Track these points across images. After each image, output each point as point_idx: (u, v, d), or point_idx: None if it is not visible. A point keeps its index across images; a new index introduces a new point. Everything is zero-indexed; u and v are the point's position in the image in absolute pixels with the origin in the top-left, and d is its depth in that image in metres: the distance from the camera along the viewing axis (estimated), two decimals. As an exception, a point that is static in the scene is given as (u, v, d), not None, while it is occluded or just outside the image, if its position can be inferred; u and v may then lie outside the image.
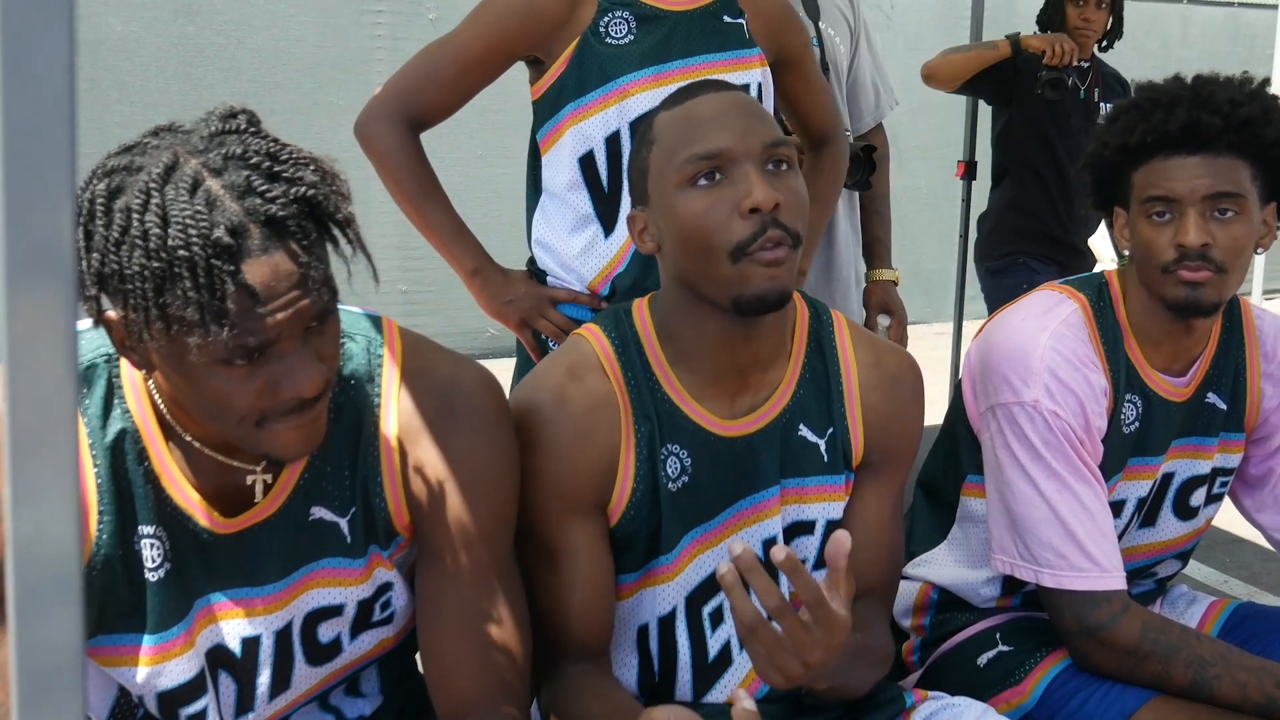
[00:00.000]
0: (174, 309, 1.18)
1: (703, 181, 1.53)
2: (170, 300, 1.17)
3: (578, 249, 2.24)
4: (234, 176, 1.21)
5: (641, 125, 1.66)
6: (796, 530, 1.69)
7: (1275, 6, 7.52)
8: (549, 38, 2.18)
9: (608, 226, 2.23)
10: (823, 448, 1.68)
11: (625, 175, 2.18)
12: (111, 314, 1.25)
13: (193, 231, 1.17)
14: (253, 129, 1.27)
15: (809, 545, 1.70)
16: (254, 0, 5.86)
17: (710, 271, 1.53)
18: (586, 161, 2.20)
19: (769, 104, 2.32)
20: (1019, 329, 1.92)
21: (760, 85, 2.28)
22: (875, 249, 3.05)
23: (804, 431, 1.67)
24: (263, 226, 1.20)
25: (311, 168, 1.26)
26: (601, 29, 2.16)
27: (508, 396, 1.59)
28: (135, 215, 1.18)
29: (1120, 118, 1.91)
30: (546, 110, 2.22)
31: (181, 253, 1.16)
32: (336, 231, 1.28)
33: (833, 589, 1.33)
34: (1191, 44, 7.87)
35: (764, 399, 1.65)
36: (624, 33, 2.17)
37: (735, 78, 2.23)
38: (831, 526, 1.70)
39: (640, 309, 1.67)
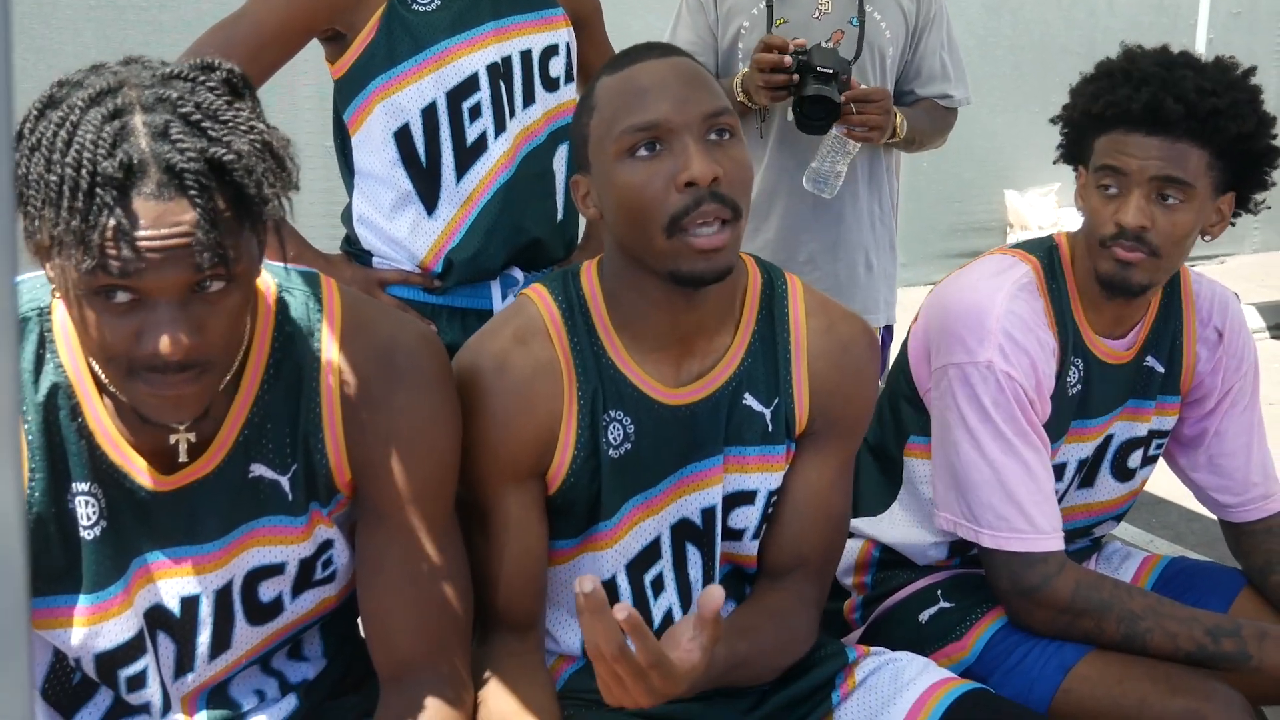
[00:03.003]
0: (56, 226, 1.18)
1: (642, 152, 1.50)
2: (51, 216, 1.18)
3: (405, 230, 2.18)
4: (157, 118, 1.20)
5: (585, 90, 1.62)
6: (738, 500, 1.68)
7: (1199, -22, 7.64)
8: (350, 8, 2.08)
9: (429, 204, 2.16)
10: (768, 417, 1.66)
11: (445, 148, 2.12)
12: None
13: (86, 155, 1.17)
14: (215, 85, 1.26)
15: (750, 515, 1.69)
16: (175, -39, 5.72)
17: (647, 244, 1.51)
18: (402, 136, 2.12)
19: (573, 64, 2.27)
20: (975, 288, 1.92)
21: (567, 45, 2.24)
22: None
23: (749, 400, 1.65)
24: (163, 172, 1.19)
25: (249, 139, 1.24)
26: None
27: None
28: (53, 126, 1.19)
29: (1094, 81, 1.91)
30: (353, 86, 2.13)
31: (70, 172, 1.17)
32: (255, 208, 1.25)
33: (697, 630, 1.34)
34: (1118, 13, 7.91)
35: (710, 366, 1.64)
36: None
37: (544, 38, 2.19)
38: (772, 496, 1.69)
39: (589, 272, 1.65)
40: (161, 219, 1.18)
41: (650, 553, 1.66)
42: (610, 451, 1.60)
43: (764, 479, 1.68)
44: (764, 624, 1.66)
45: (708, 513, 1.66)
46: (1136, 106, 1.80)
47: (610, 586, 1.65)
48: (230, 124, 1.23)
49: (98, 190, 1.17)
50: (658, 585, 1.67)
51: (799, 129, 2.63)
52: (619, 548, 1.63)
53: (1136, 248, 1.82)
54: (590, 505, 1.61)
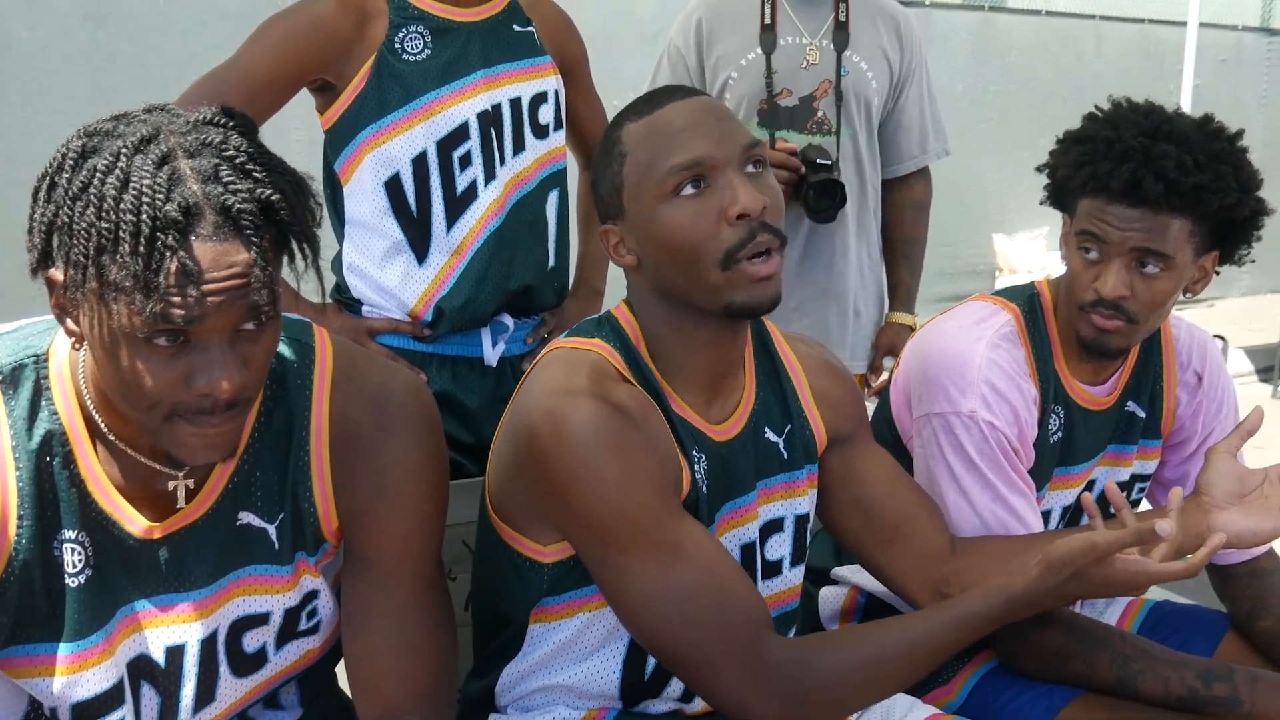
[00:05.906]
0: (111, 272, 1.18)
1: (688, 190, 1.50)
2: (108, 263, 1.18)
3: (396, 279, 2.18)
4: (204, 162, 1.22)
5: (605, 140, 1.60)
6: (768, 530, 1.68)
7: (1184, 24, 7.71)
8: (340, 58, 2.11)
9: (420, 254, 2.17)
10: (781, 446, 1.68)
11: (435, 197, 2.13)
12: (55, 273, 1.24)
13: (145, 200, 1.18)
14: (240, 129, 1.27)
15: (782, 542, 1.69)
16: (166, 6, 5.74)
17: (700, 280, 1.51)
18: (392, 186, 2.14)
19: (562, 111, 2.29)
20: (955, 337, 1.92)
21: (556, 92, 2.26)
22: (897, 291, 3.01)
23: (768, 433, 1.67)
24: (218, 214, 1.20)
25: (287, 179, 1.26)
26: (397, 45, 2.11)
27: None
28: (99, 175, 1.20)
29: (1079, 144, 1.89)
30: (343, 136, 2.15)
31: (129, 217, 1.17)
32: (294, 245, 1.28)
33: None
34: (1105, 59, 8.01)
35: (733, 406, 1.65)
36: (420, 47, 2.12)
37: (533, 86, 2.22)
38: (799, 521, 1.70)
39: (626, 320, 1.61)
40: (219, 261, 1.20)
41: None
42: (702, 487, 1.58)
43: (788, 505, 1.69)
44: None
45: (747, 549, 1.65)
46: (1117, 184, 1.80)
47: None
48: (268, 165, 1.25)
49: (159, 234, 1.17)
50: None
51: (813, 220, 2.71)
52: None
53: (1115, 316, 1.83)
54: None
